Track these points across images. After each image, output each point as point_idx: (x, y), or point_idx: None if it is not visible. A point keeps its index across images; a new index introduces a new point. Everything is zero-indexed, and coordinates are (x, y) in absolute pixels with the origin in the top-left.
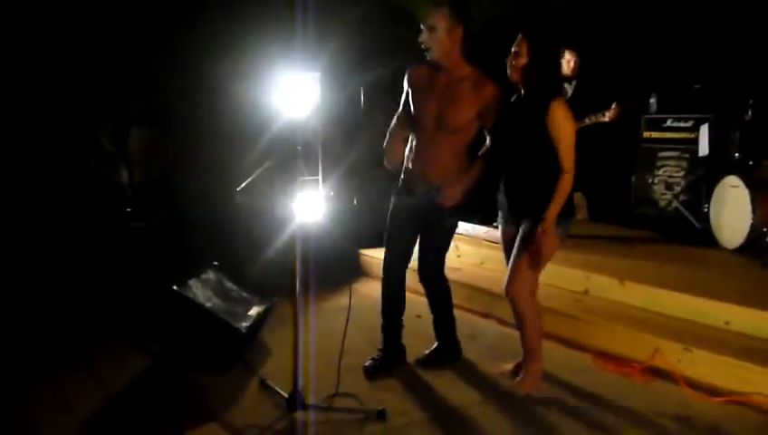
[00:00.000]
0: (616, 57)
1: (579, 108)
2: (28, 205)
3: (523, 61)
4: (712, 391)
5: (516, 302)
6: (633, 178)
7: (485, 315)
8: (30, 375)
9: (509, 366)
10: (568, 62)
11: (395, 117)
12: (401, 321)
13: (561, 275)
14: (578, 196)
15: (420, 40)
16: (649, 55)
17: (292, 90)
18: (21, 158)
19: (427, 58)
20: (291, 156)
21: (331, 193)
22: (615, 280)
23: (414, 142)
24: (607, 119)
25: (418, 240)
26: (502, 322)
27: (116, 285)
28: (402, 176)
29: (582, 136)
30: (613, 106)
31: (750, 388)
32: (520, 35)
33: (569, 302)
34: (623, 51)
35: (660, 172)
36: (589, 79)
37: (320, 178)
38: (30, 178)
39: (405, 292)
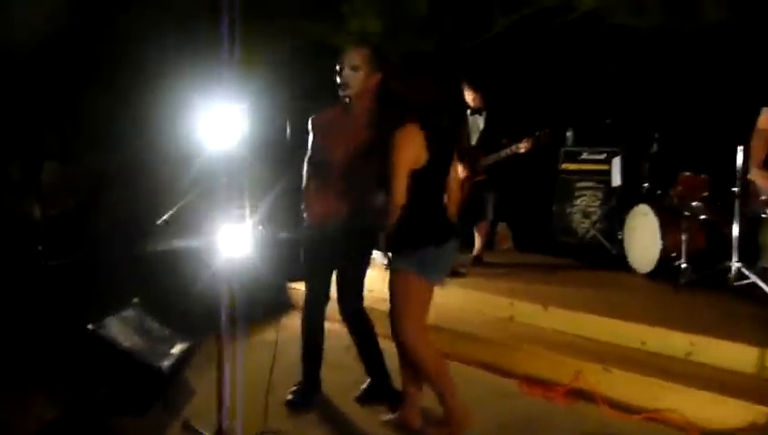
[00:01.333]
0: (533, 93)
1: (494, 139)
2: None
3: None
4: (630, 410)
5: (408, 350)
6: (554, 208)
7: None
8: None
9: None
10: (472, 98)
11: (306, 163)
12: (321, 354)
13: (486, 302)
14: (503, 226)
15: (341, 78)
16: (565, 92)
17: (218, 121)
18: None
19: (341, 95)
20: (216, 188)
21: (260, 227)
22: (539, 305)
23: (321, 182)
24: (522, 150)
25: (335, 275)
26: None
27: (27, 328)
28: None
29: (505, 167)
30: (524, 139)
31: (665, 404)
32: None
33: (495, 328)
34: (540, 87)
35: (578, 202)
36: (505, 111)
37: (246, 210)
38: None
39: (324, 325)
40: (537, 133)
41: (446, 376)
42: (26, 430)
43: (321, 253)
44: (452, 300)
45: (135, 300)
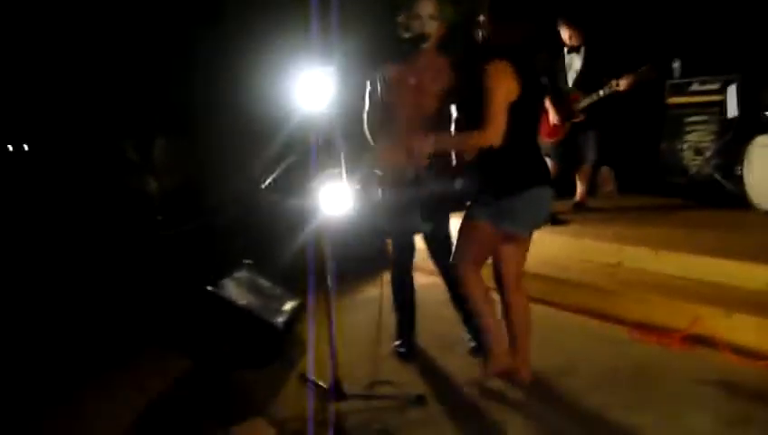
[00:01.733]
0: (635, 23)
1: (593, 77)
2: (61, 219)
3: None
4: (756, 355)
5: (459, 283)
6: (661, 146)
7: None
8: (77, 381)
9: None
10: (569, 35)
11: (366, 118)
12: (412, 308)
13: (592, 249)
14: (605, 169)
15: (417, 27)
16: (669, 19)
17: (309, 84)
18: (51, 172)
19: (420, 46)
20: (313, 149)
21: (357, 186)
22: (648, 250)
23: (391, 135)
24: (621, 88)
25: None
26: (534, 300)
27: (152, 293)
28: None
29: (605, 107)
30: (624, 76)
31: None
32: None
33: (602, 275)
34: (641, 16)
35: (689, 138)
36: (606, 48)
37: (343, 170)
38: (62, 191)
39: (411, 280)
40: (639, 70)
41: (493, 324)
42: (157, 382)
43: (400, 211)
44: (555, 248)
45: (247, 261)
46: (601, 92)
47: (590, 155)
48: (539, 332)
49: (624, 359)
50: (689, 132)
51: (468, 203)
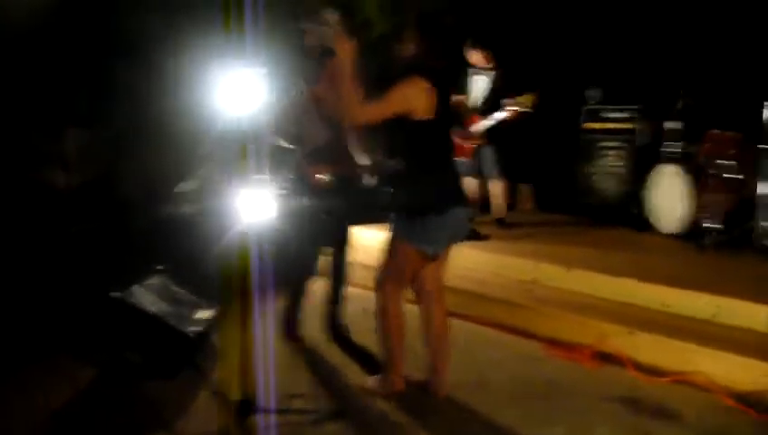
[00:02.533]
0: (550, 50)
1: (495, 100)
2: None
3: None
4: (657, 372)
5: (377, 303)
6: (576, 168)
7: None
8: None
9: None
10: (477, 58)
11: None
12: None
13: (509, 265)
14: (525, 187)
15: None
16: (587, 48)
17: (238, 87)
18: None
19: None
20: (237, 154)
21: (283, 191)
22: (562, 268)
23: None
24: (508, 116)
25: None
26: (452, 314)
27: (56, 295)
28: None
29: (526, 126)
30: (506, 105)
31: (691, 367)
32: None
33: (518, 291)
34: (558, 43)
35: (602, 162)
36: (513, 71)
37: (267, 176)
38: None
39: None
40: (516, 99)
41: (398, 345)
42: (61, 392)
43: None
44: (473, 263)
45: (159, 267)
46: (488, 122)
47: (492, 171)
48: (455, 345)
49: (537, 374)
50: (602, 157)
51: (391, 223)
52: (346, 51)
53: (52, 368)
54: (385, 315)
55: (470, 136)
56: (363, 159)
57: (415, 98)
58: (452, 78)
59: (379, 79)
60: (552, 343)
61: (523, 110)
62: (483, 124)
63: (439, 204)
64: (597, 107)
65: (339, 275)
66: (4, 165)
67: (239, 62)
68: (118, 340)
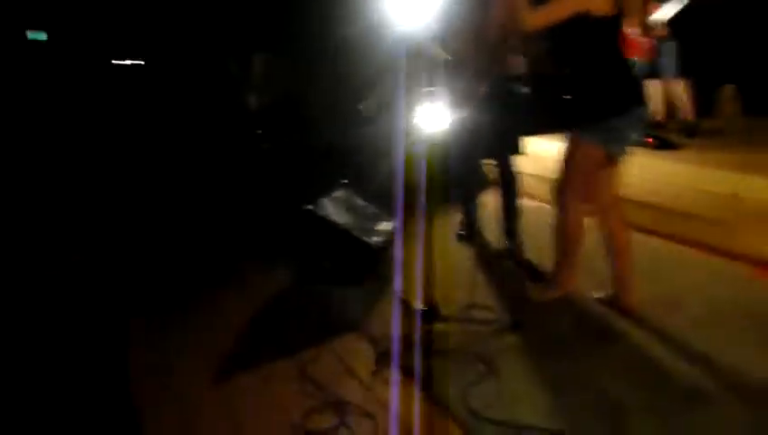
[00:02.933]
0: None
1: None
2: (169, 131)
3: None
4: None
5: (559, 210)
6: None
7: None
8: (189, 291)
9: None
10: None
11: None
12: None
13: (709, 178)
14: (729, 88)
15: None
16: None
17: (409, 2)
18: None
19: None
20: (410, 70)
21: (453, 104)
22: None
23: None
24: None
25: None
26: (642, 229)
27: (255, 205)
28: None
29: (725, 14)
30: None
31: None
32: None
33: (719, 207)
34: None
35: None
36: None
37: (441, 89)
38: (172, 103)
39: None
40: None
41: (573, 255)
42: (267, 289)
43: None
44: (666, 175)
45: (344, 181)
46: (680, 5)
47: (673, 70)
48: (647, 263)
49: (743, 297)
50: None
51: (570, 127)
52: None
53: (259, 269)
54: (563, 224)
55: (649, 29)
56: (519, 68)
57: None
58: None
59: None
60: (758, 263)
61: None
62: (664, 12)
63: (622, 103)
64: None
65: (508, 187)
66: (204, 87)
67: None
68: (310, 248)
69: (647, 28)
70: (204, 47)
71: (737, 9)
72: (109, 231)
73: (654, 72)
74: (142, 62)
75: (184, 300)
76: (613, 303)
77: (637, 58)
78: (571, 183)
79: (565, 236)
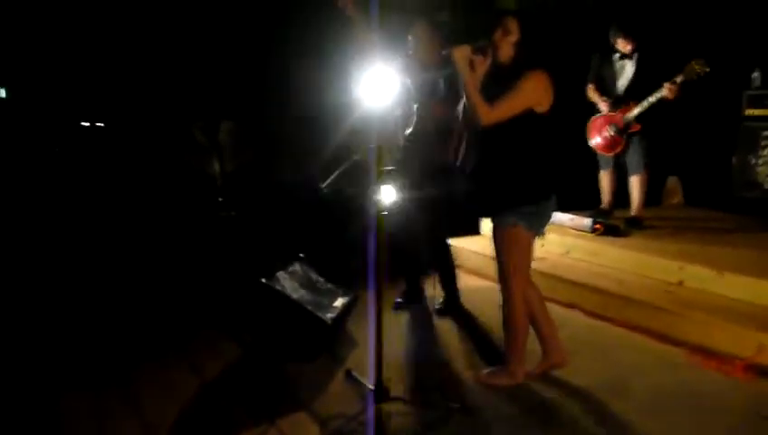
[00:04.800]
0: (705, 31)
1: (646, 84)
2: (124, 196)
3: (514, 37)
4: None
5: (508, 300)
6: (734, 160)
7: (570, 306)
8: (133, 361)
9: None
10: (623, 42)
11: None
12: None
13: (653, 265)
14: (673, 180)
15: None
16: (752, 26)
17: (373, 82)
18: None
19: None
20: (372, 147)
21: (408, 182)
22: (713, 271)
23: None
24: (670, 95)
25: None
26: (588, 313)
27: (209, 275)
28: None
29: (655, 114)
30: (668, 83)
31: None
32: (509, 16)
33: (662, 294)
34: (722, 23)
35: (765, 152)
36: (661, 53)
37: (399, 168)
38: (126, 171)
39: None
40: (684, 68)
41: (525, 337)
42: (211, 365)
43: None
44: (613, 261)
45: (301, 255)
46: (652, 99)
47: (639, 165)
48: (593, 346)
49: (681, 383)
50: (765, 147)
51: (496, 213)
52: (459, 57)
53: (207, 342)
54: (514, 309)
55: (623, 125)
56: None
57: (542, 92)
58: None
59: (493, 74)
60: (700, 350)
61: (672, 92)
62: (638, 109)
63: (551, 190)
64: (762, 91)
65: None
66: (168, 152)
67: (377, 59)
68: (263, 321)
69: (626, 126)
70: (169, 112)
71: (681, 105)
72: (50, 295)
73: (612, 165)
74: (102, 125)
75: (126, 371)
76: (548, 364)
77: (599, 151)
78: (515, 269)
79: (516, 325)
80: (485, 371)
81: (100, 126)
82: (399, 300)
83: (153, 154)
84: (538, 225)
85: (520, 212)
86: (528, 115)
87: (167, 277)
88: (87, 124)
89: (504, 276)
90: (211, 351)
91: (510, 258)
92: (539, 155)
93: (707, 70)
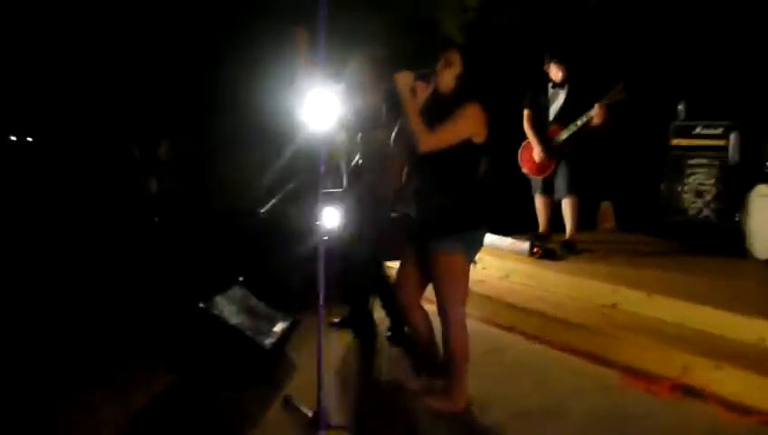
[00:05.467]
0: (636, 63)
1: (574, 110)
2: (55, 214)
3: (456, 69)
4: (744, 411)
5: (449, 326)
6: (662, 187)
7: (510, 329)
8: (58, 391)
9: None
10: (555, 72)
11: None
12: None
13: (587, 288)
14: (606, 204)
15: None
16: (678, 61)
17: (316, 103)
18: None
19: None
20: (315, 168)
21: (351, 204)
22: (644, 293)
23: None
24: (596, 120)
25: None
26: (528, 336)
27: (141, 298)
28: None
29: (581, 140)
30: (596, 106)
31: None
32: (453, 49)
33: (596, 316)
34: (651, 56)
35: (690, 180)
36: (591, 82)
37: (342, 190)
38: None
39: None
40: (607, 93)
41: (467, 360)
42: (141, 395)
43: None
44: (549, 284)
45: (240, 278)
46: (579, 122)
47: (566, 188)
48: (532, 369)
49: (613, 405)
50: (690, 174)
51: (434, 240)
52: (402, 83)
53: (136, 371)
54: (456, 335)
55: (552, 148)
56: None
57: (480, 123)
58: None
59: (433, 102)
60: (631, 372)
61: (599, 117)
62: (565, 132)
63: (486, 218)
64: (685, 123)
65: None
66: (102, 170)
67: (320, 79)
68: (200, 348)
69: (554, 148)
70: (106, 128)
71: (613, 133)
72: None
73: (543, 188)
74: (29, 139)
75: (50, 400)
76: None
77: (529, 174)
78: (454, 295)
79: (458, 351)
80: (428, 396)
81: (28, 140)
82: (336, 320)
83: (88, 170)
84: (474, 251)
85: (459, 238)
86: (466, 145)
87: (98, 299)
88: (14, 139)
89: (441, 303)
90: (141, 379)
91: (448, 285)
92: (477, 183)
93: (624, 96)
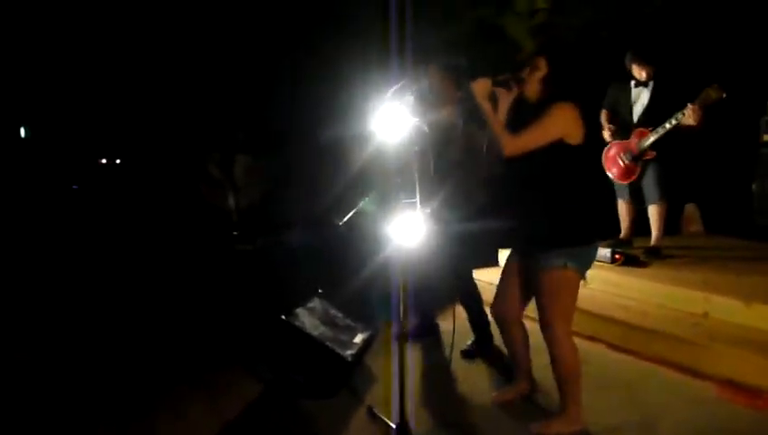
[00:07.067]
0: (719, 60)
1: (661, 111)
2: (142, 231)
3: (542, 73)
4: None
5: (555, 346)
6: (754, 186)
7: (591, 338)
8: (152, 396)
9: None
10: (638, 71)
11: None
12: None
13: (676, 296)
14: (691, 207)
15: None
16: (766, 53)
17: (388, 115)
18: (140, 184)
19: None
20: (389, 179)
21: (427, 211)
22: (739, 301)
23: None
24: (689, 117)
25: None
26: (611, 346)
27: (226, 310)
28: None
29: (671, 142)
30: (689, 107)
31: None
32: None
33: (686, 325)
34: (738, 49)
35: None
36: (676, 81)
37: (418, 200)
38: (148, 202)
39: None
40: (700, 95)
41: (579, 377)
42: (232, 403)
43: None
44: (634, 292)
45: (320, 291)
46: (668, 125)
47: (655, 193)
48: (619, 382)
49: (710, 420)
50: None
51: (543, 255)
52: (480, 90)
53: (225, 378)
54: (565, 352)
55: (638, 152)
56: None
57: (571, 124)
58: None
59: (518, 108)
60: (729, 385)
61: (694, 119)
62: (653, 135)
63: (602, 229)
64: None
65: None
66: (183, 187)
67: (391, 93)
68: (283, 359)
69: (640, 153)
70: (184, 148)
71: (698, 131)
72: (70, 330)
73: (629, 194)
74: (118, 161)
75: (145, 406)
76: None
77: (615, 179)
78: (561, 313)
79: (568, 369)
80: (538, 423)
81: (117, 163)
82: (414, 330)
83: (169, 189)
84: (586, 268)
85: (571, 254)
86: (560, 146)
87: (184, 312)
88: (105, 161)
89: (547, 321)
90: (230, 387)
91: (556, 302)
92: (586, 190)
93: (723, 95)
